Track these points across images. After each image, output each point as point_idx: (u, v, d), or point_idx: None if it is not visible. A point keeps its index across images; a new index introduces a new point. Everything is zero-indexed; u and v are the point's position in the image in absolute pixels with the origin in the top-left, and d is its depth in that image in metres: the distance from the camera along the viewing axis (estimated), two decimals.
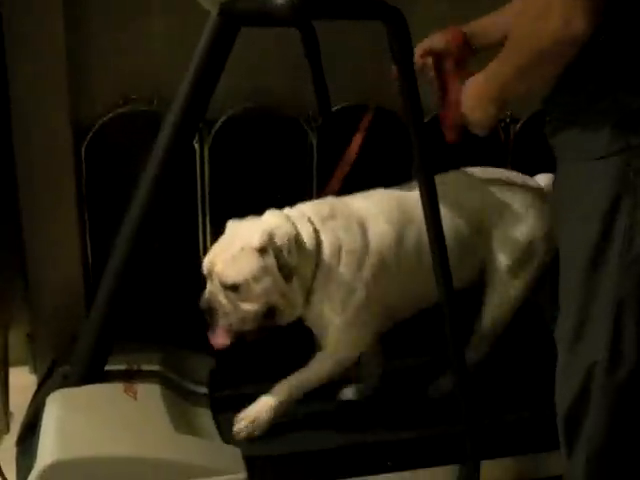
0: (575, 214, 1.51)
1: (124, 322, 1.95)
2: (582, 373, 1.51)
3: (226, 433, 1.93)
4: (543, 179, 2.16)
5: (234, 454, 1.82)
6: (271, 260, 1.81)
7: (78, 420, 1.80)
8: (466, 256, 2.04)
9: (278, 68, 2.39)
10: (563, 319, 1.57)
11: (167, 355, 2.18)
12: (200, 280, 2.49)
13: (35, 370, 2.40)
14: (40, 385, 2.16)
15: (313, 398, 2.07)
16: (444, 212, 1.83)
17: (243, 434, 1.92)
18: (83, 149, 2.36)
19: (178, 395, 2.02)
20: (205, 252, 2.47)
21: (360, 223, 1.95)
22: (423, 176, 1.73)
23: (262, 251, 1.81)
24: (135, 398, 1.89)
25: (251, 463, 1.81)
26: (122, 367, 2.01)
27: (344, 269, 1.90)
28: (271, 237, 1.82)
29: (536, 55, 1.40)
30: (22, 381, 2.31)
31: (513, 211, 2.07)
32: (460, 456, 1.91)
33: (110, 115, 2.37)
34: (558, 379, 1.60)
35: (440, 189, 1.75)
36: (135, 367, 2.03)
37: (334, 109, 2.39)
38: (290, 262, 1.83)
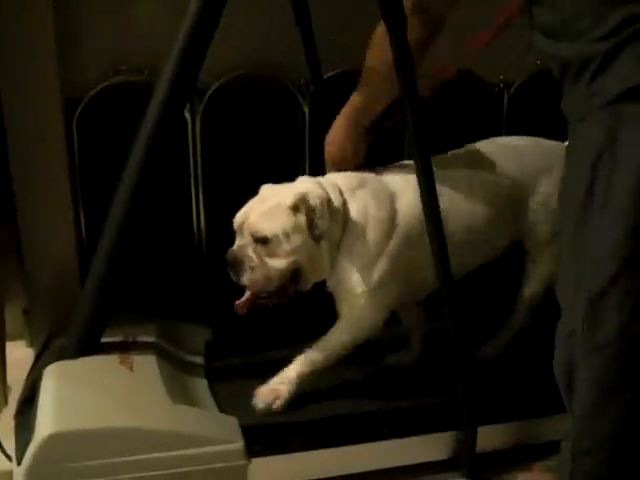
0: (567, 176, 1.52)
1: (120, 294, 1.95)
2: (568, 336, 1.51)
3: (222, 403, 1.94)
4: None
5: (231, 423, 1.83)
6: (302, 219, 1.86)
7: (75, 392, 1.81)
8: (501, 225, 2.08)
9: (269, 35, 2.36)
10: (561, 281, 1.57)
11: (163, 326, 2.19)
12: (194, 250, 2.51)
13: (32, 344, 2.40)
14: (37, 358, 2.16)
15: None
16: (480, 180, 2.03)
17: (262, 407, 1.91)
18: (74, 122, 2.33)
19: (174, 366, 2.03)
20: (199, 222, 2.49)
21: (389, 194, 1.97)
22: (415, 136, 1.73)
23: (295, 209, 1.86)
24: (131, 369, 1.89)
25: (248, 432, 1.81)
26: (118, 339, 2.01)
27: (371, 237, 1.93)
28: (304, 198, 1.87)
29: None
30: (19, 355, 2.31)
31: (551, 179, 2.06)
32: (457, 422, 1.92)
33: (101, 85, 2.33)
34: (556, 342, 1.59)
35: (475, 158, 1.93)
36: (131, 338, 2.04)
37: (326, 76, 2.38)
38: (321, 224, 1.87)
